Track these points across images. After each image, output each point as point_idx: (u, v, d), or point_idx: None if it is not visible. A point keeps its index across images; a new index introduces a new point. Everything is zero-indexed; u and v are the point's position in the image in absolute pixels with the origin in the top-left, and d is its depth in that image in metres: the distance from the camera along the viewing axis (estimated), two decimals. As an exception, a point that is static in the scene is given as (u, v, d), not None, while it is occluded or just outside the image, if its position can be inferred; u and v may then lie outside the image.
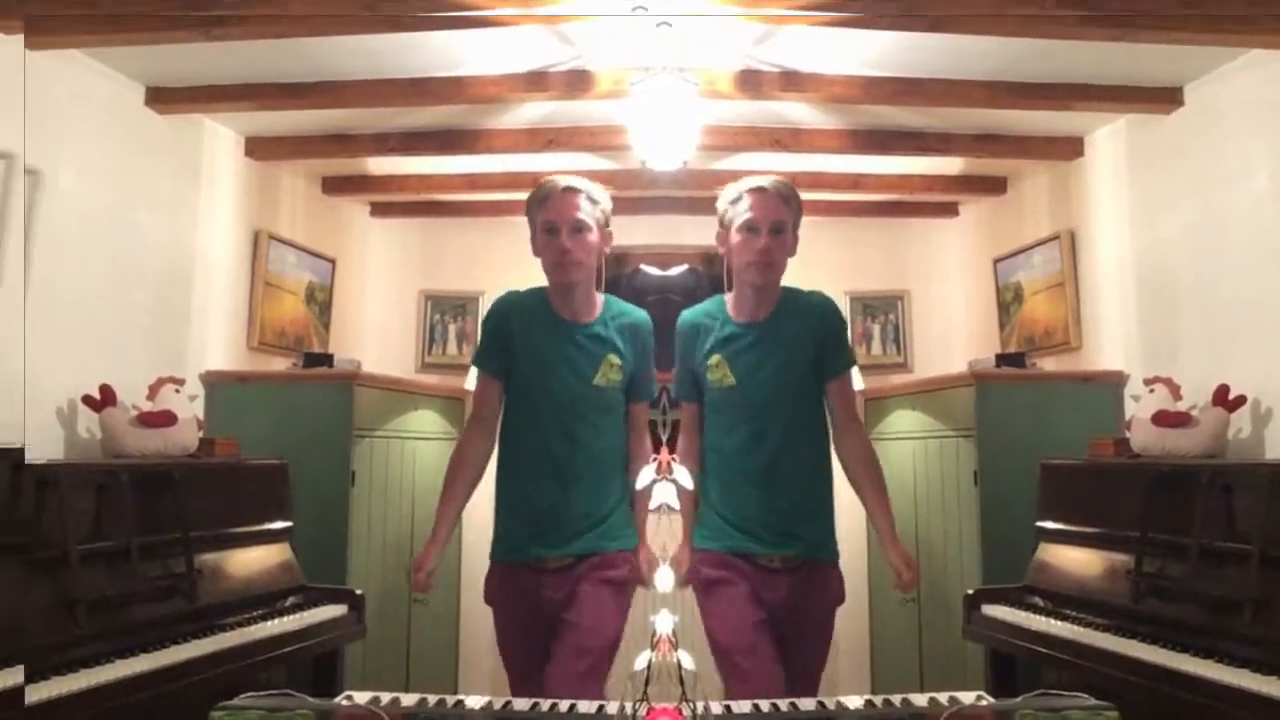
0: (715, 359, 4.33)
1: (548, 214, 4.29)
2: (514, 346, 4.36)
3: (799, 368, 4.33)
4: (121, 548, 4.64)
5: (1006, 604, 5.54)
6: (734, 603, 4.14)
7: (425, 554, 4.27)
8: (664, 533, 3.51)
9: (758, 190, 4.27)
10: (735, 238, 4.31)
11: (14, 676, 3.57)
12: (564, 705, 2.82)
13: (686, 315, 4.55)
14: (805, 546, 4.26)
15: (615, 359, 4.33)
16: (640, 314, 4.54)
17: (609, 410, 4.38)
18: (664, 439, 3.37)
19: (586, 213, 4.31)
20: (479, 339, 4.63)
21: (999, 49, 5.55)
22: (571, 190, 4.31)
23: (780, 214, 4.26)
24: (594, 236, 4.34)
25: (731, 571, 4.20)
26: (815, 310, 4.42)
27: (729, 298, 4.49)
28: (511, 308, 4.46)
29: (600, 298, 4.50)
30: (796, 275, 4.43)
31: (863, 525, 5.70)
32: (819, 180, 7.82)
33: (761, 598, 4.16)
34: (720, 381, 4.31)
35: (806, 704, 2.83)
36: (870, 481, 4.35)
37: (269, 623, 5.13)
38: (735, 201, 4.33)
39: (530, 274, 4.53)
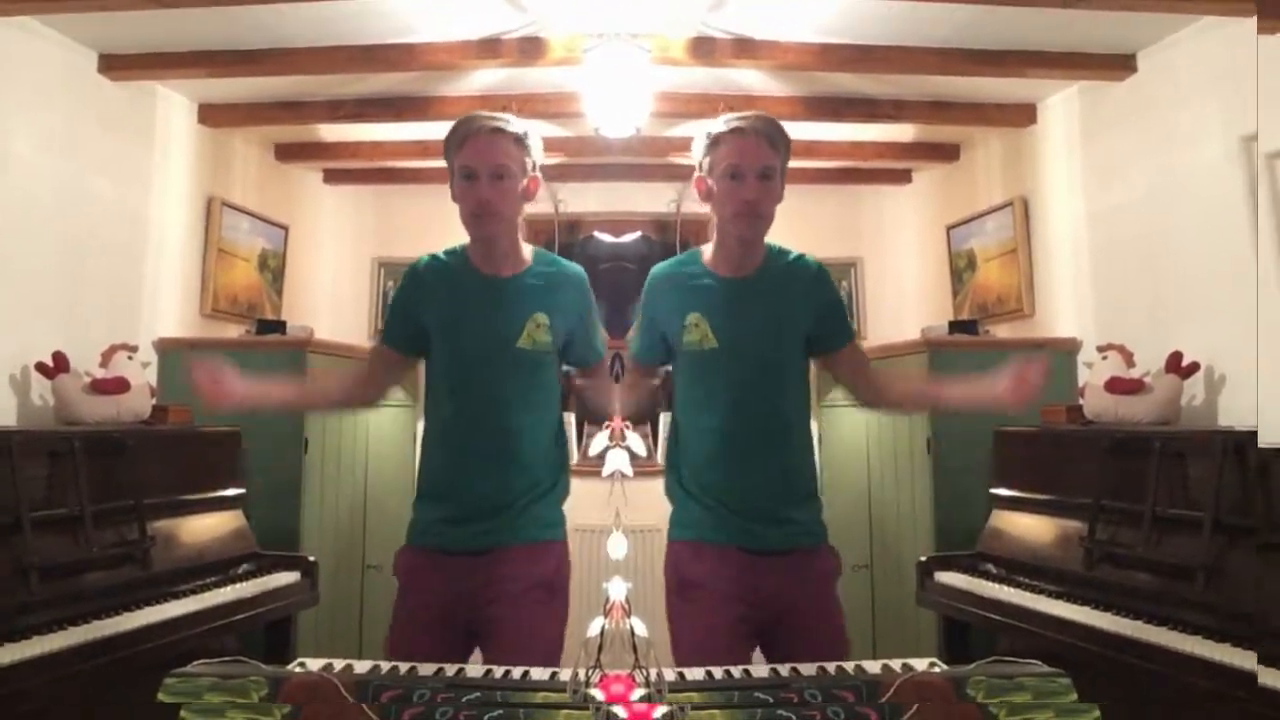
0: (694, 317, 3.79)
1: (466, 157, 3.72)
2: (425, 314, 3.88)
3: (787, 332, 3.84)
4: (75, 515, 4.65)
5: (959, 571, 5.57)
6: (705, 616, 3.66)
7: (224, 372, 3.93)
8: (617, 501, 3.34)
9: (738, 132, 3.73)
10: (717, 185, 3.76)
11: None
12: (517, 673, 2.81)
13: (660, 267, 4.03)
14: (798, 531, 3.79)
15: (542, 317, 3.80)
16: (574, 267, 4.04)
17: (538, 377, 3.84)
18: (617, 405, 3.37)
19: (511, 157, 3.73)
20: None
21: (952, 15, 5.56)
22: (496, 131, 3.73)
23: (767, 158, 3.69)
24: (519, 184, 3.78)
25: (714, 565, 3.71)
26: (808, 275, 3.90)
27: (707, 250, 3.95)
28: (422, 271, 3.95)
29: (529, 250, 3.96)
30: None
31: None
32: (772, 147, 7.77)
33: (748, 593, 3.67)
34: (699, 343, 3.78)
35: (760, 671, 2.83)
36: (913, 383, 4.22)
37: (222, 590, 5.13)
38: (714, 145, 3.78)
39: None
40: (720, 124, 3.79)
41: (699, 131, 3.88)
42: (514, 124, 3.77)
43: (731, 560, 3.69)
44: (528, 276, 3.87)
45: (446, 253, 3.95)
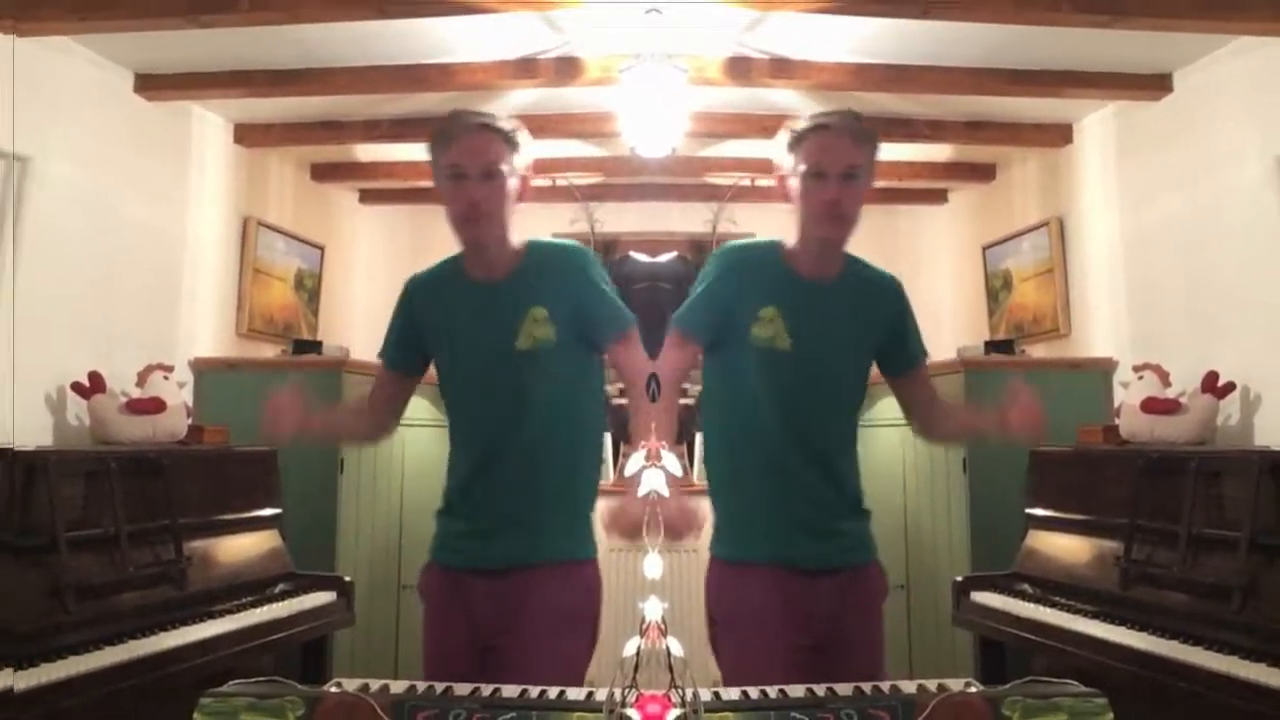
0: (769, 312, 3.58)
1: (454, 156, 3.59)
2: (424, 330, 3.79)
3: (860, 344, 3.70)
4: (110, 535, 4.64)
5: (995, 591, 5.54)
6: (756, 648, 3.45)
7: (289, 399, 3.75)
8: (652, 522, 3.22)
9: (822, 129, 3.55)
10: (800, 185, 3.56)
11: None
12: (553, 693, 2.80)
13: (738, 245, 3.90)
14: (853, 547, 3.67)
15: (539, 311, 3.60)
16: (565, 246, 3.92)
17: (550, 379, 3.61)
18: (653, 425, 3.30)
19: (502, 155, 3.60)
20: None
21: (989, 35, 5.56)
22: (485, 129, 3.61)
23: (852, 157, 3.51)
24: (510, 184, 3.62)
25: (764, 587, 3.54)
26: (889, 291, 3.77)
27: (786, 246, 3.72)
28: (414, 287, 3.88)
29: (521, 247, 3.75)
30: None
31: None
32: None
33: (802, 617, 3.52)
34: (771, 341, 3.56)
35: (795, 690, 2.81)
36: (959, 412, 4.00)
37: (258, 610, 5.11)
38: (797, 142, 3.59)
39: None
40: (804, 121, 3.61)
41: (784, 131, 3.68)
42: (503, 121, 3.65)
43: (781, 586, 3.53)
44: (519, 274, 3.69)
45: (440, 263, 3.84)
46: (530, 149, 3.74)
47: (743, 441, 3.68)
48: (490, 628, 3.56)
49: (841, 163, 3.50)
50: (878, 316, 3.72)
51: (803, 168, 3.55)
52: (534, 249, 3.77)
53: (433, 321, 3.76)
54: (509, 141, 3.63)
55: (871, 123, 3.70)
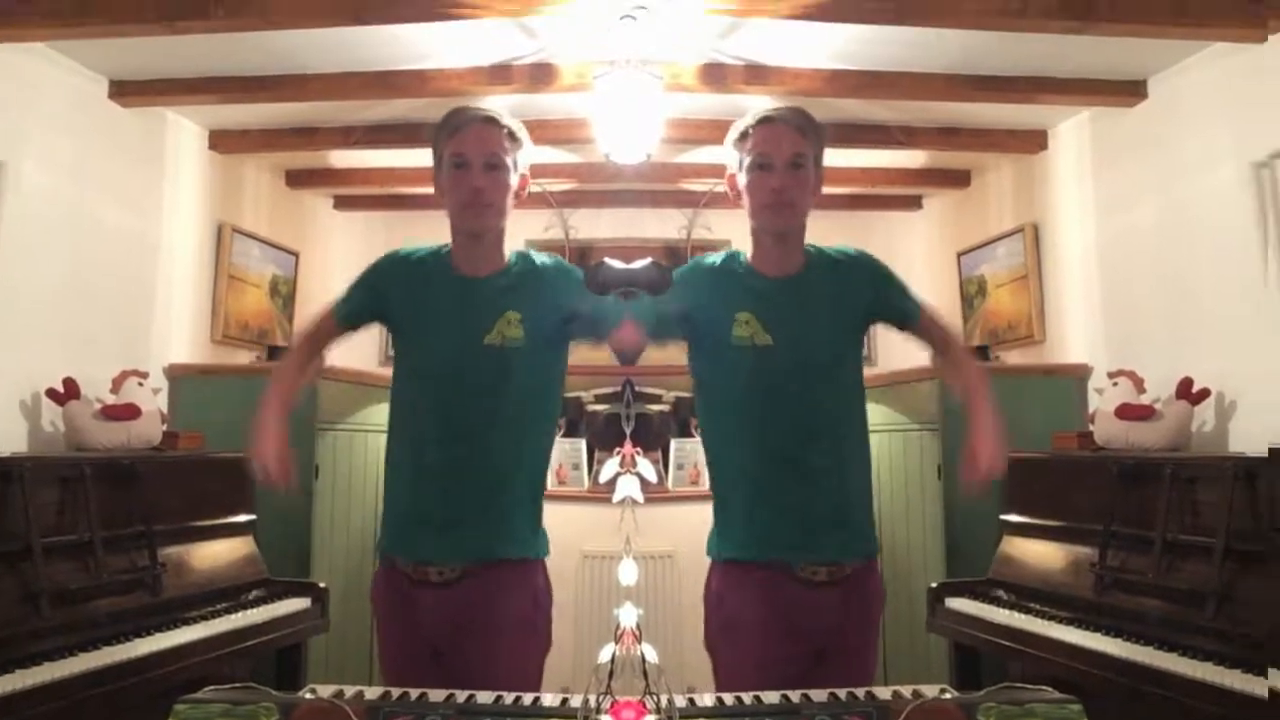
0: (744, 315, 3.59)
1: (458, 145, 3.63)
2: (390, 308, 3.75)
3: (843, 327, 3.71)
4: (85, 541, 4.66)
5: (970, 597, 5.56)
6: (754, 655, 3.43)
7: (263, 434, 3.75)
8: (628, 527, 3.20)
9: (766, 121, 3.60)
10: (746, 177, 3.61)
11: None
12: (528, 699, 2.80)
13: (702, 259, 3.83)
14: (854, 545, 3.63)
15: (514, 315, 3.60)
16: (553, 257, 3.87)
17: (507, 379, 3.59)
18: (628, 431, 3.31)
19: (505, 149, 3.63)
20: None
21: (963, 41, 5.58)
22: (491, 122, 3.64)
23: (795, 145, 3.57)
24: (511, 177, 3.68)
25: (763, 593, 3.52)
26: (854, 262, 3.77)
27: (748, 253, 3.77)
28: (397, 264, 3.83)
29: (509, 253, 3.80)
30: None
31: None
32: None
33: (801, 624, 3.50)
34: (750, 339, 3.56)
35: (770, 697, 2.82)
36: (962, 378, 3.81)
37: (232, 616, 5.12)
38: (742, 138, 3.64)
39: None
40: (749, 117, 3.64)
41: (730, 131, 3.72)
42: (506, 118, 3.66)
43: (782, 583, 3.53)
44: (502, 277, 3.72)
45: (427, 250, 3.83)
46: (531, 148, 3.79)
47: (741, 444, 3.66)
48: (442, 624, 3.55)
49: (787, 151, 3.56)
50: (853, 293, 3.71)
51: (748, 159, 3.61)
52: (519, 258, 3.79)
53: (409, 304, 3.73)
54: (512, 136, 3.67)
55: (846, 129, 3.72)
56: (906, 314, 3.79)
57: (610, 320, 3.58)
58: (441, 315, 3.66)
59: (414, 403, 3.71)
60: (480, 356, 3.58)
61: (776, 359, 3.57)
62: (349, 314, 3.84)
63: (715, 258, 3.84)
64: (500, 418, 3.60)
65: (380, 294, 3.77)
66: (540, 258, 3.84)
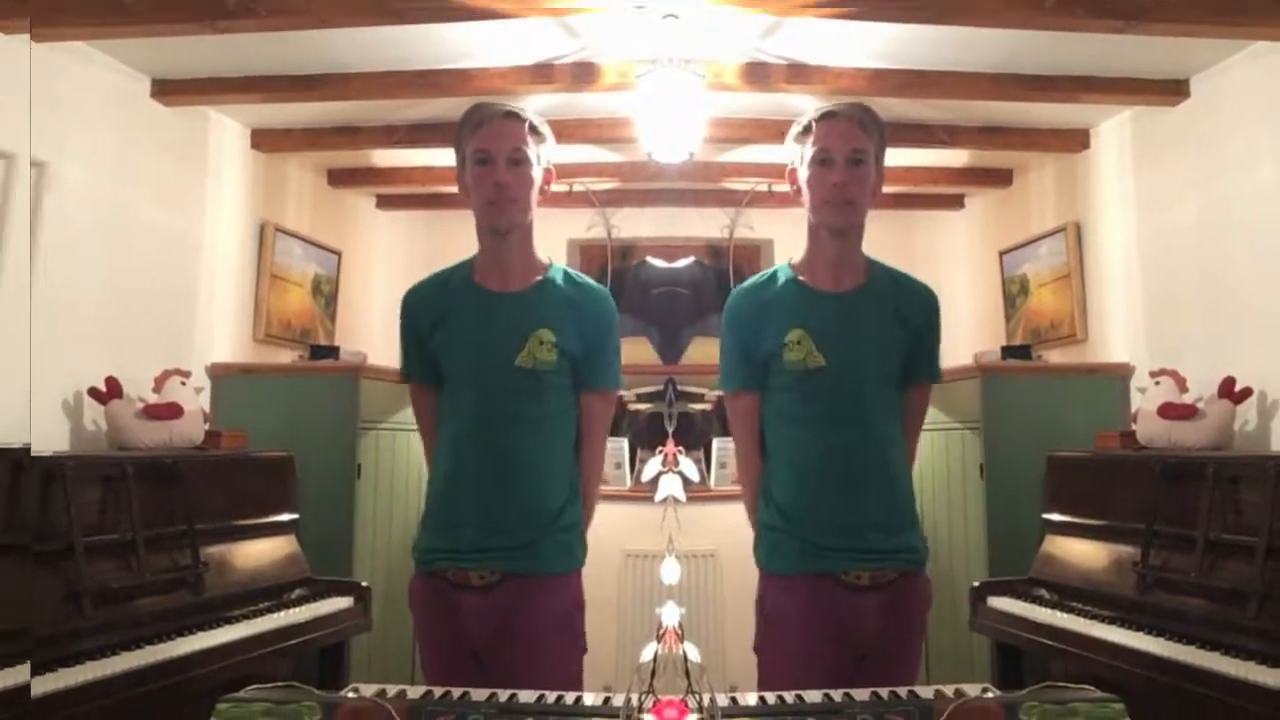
0: (797, 334, 3.56)
1: (481, 140, 3.59)
2: (434, 338, 3.71)
3: (893, 352, 3.66)
4: (127, 540, 4.67)
5: (1013, 596, 5.54)
6: (797, 661, 3.46)
7: None
8: (670, 526, 3.19)
9: (828, 116, 3.58)
10: (807, 173, 3.60)
11: (21, 671, 3.57)
12: (570, 698, 2.80)
13: (742, 290, 3.82)
14: (904, 556, 3.63)
15: (547, 334, 3.58)
16: (595, 287, 3.85)
17: (541, 399, 3.61)
18: (670, 430, 3.31)
19: (528, 143, 3.60)
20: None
21: (1005, 41, 5.56)
22: (513, 116, 3.61)
23: (857, 140, 3.55)
24: (535, 173, 3.64)
25: (812, 600, 3.53)
26: (920, 299, 3.77)
27: (797, 264, 3.75)
28: (421, 297, 3.82)
29: (545, 263, 3.78)
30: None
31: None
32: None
33: (848, 629, 3.52)
34: (803, 362, 3.55)
35: (812, 696, 2.81)
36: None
37: (275, 615, 5.12)
38: (804, 133, 3.64)
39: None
40: (811, 111, 3.63)
41: (792, 127, 3.72)
42: (529, 113, 3.64)
43: (831, 590, 3.54)
44: (537, 291, 3.70)
45: (445, 270, 3.82)
46: (554, 143, 3.75)
47: (792, 462, 3.65)
48: (479, 640, 3.55)
49: (848, 146, 3.54)
50: (907, 325, 3.68)
51: (809, 154, 3.59)
52: (558, 272, 3.77)
53: (444, 328, 3.70)
54: (534, 131, 3.64)
55: (888, 128, 3.70)
56: (924, 370, 3.80)
57: (610, 388, 3.80)
58: (470, 334, 3.66)
59: (452, 419, 3.69)
60: (513, 378, 3.58)
61: (829, 382, 3.56)
62: (415, 368, 3.83)
63: (752, 282, 3.84)
64: (535, 437, 3.61)
65: (420, 332, 3.75)
66: (585, 282, 3.84)
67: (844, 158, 3.53)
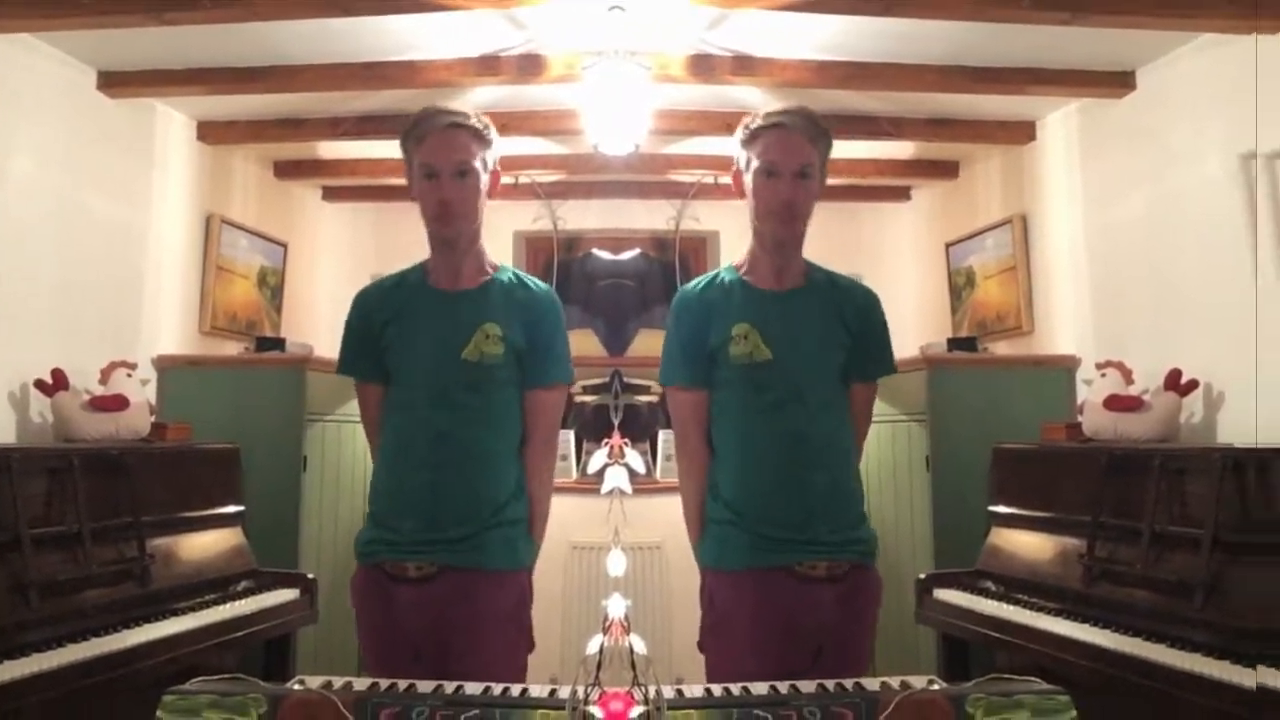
0: (743, 328, 3.60)
1: (426, 154, 3.62)
2: (378, 336, 3.73)
3: (835, 347, 3.69)
4: (73, 532, 4.63)
5: (958, 588, 5.55)
6: (746, 660, 3.37)
7: None
8: (616, 518, 3.18)
9: (777, 127, 3.57)
10: (752, 182, 3.62)
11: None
12: (515, 690, 2.80)
13: (688, 289, 3.86)
14: (854, 548, 3.66)
15: (493, 328, 3.62)
16: (541, 287, 3.87)
17: (486, 392, 3.63)
18: (616, 422, 3.31)
19: (473, 153, 3.63)
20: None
21: (951, 33, 5.57)
22: (456, 128, 3.63)
23: (805, 155, 3.56)
24: (481, 181, 3.67)
25: (763, 594, 3.53)
26: (856, 299, 3.78)
27: (741, 264, 3.79)
28: (376, 296, 3.87)
29: (493, 265, 3.83)
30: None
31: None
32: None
33: (800, 621, 3.52)
34: (750, 355, 3.59)
35: (758, 688, 2.81)
36: None
37: (221, 607, 5.10)
38: (751, 140, 3.62)
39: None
40: (759, 118, 3.63)
41: (740, 127, 3.71)
42: (474, 118, 3.67)
43: (783, 582, 3.55)
44: (484, 289, 3.75)
45: (400, 272, 3.87)
46: (500, 144, 3.77)
47: (739, 456, 3.67)
48: (415, 633, 3.57)
49: (795, 162, 3.55)
50: (845, 324, 3.71)
51: (756, 164, 3.59)
52: (508, 273, 3.83)
53: (394, 324, 3.73)
54: (480, 138, 3.66)
55: (834, 120, 3.72)
56: (868, 368, 3.84)
57: (558, 382, 3.84)
58: (420, 331, 3.69)
59: (398, 412, 3.73)
60: (459, 370, 3.61)
61: (775, 374, 3.60)
62: (353, 364, 3.86)
63: (698, 282, 3.89)
64: (478, 428, 3.64)
65: (371, 329, 3.77)
66: (531, 281, 3.87)
67: (791, 172, 3.55)
